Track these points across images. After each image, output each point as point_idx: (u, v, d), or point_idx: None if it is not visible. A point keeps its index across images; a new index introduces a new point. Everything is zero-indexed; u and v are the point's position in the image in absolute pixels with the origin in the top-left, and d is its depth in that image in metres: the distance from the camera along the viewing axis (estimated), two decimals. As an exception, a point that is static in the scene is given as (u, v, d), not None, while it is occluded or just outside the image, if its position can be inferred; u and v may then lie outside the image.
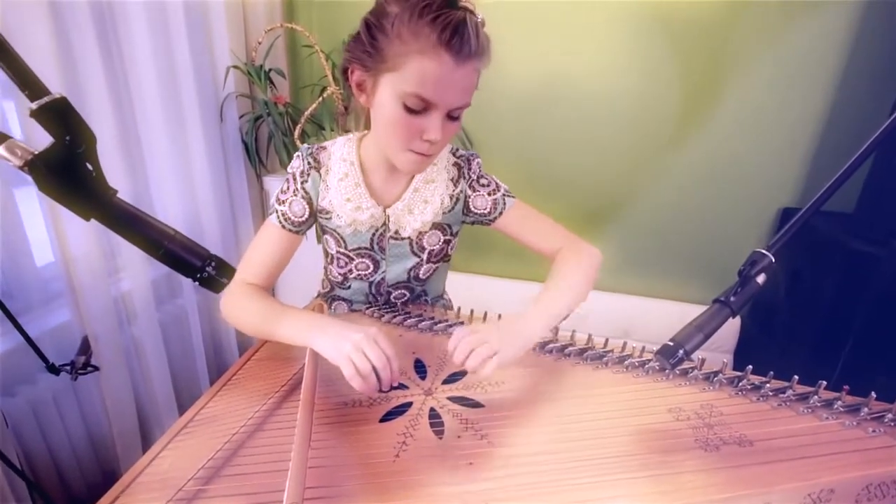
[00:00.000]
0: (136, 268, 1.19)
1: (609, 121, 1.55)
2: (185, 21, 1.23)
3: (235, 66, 1.40)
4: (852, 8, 1.32)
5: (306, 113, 1.46)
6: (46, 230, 1.00)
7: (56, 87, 0.96)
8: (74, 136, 0.34)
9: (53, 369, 0.91)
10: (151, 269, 1.23)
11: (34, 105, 0.32)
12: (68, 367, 0.93)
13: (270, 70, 1.46)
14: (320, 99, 1.46)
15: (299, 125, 1.45)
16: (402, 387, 0.66)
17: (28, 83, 0.33)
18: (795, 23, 1.35)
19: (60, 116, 0.33)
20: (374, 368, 0.57)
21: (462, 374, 0.69)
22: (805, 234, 0.59)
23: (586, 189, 1.64)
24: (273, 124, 1.45)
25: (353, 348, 0.57)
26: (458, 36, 0.57)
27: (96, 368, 0.98)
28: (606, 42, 1.47)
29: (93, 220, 0.38)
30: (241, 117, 1.48)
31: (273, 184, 1.61)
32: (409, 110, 0.61)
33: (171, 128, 1.26)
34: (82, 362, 0.95)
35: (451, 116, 0.64)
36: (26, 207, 0.98)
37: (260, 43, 1.44)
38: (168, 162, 1.27)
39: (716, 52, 1.42)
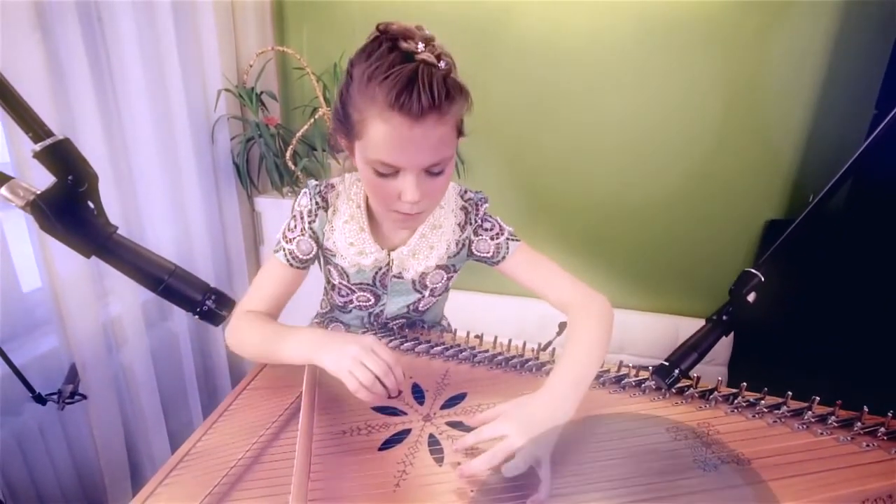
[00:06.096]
0: (126, 291, 1.17)
1: (600, 137, 1.58)
2: (176, 45, 1.24)
3: (227, 89, 1.41)
4: (832, 21, 1.36)
5: (298, 134, 1.47)
6: (34, 254, 0.99)
7: (47, 110, 0.96)
8: (77, 176, 0.34)
9: (40, 399, 0.88)
10: (141, 291, 1.20)
11: (37, 147, 0.33)
12: (55, 397, 0.91)
13: (262, 92, 1.47)
14: (312, 120, 1.48)
15: (291, 146, 1.46)
16: (400, 413, 0.66)
17: (31, 125, 0.33)
18: (775, 36, 1.40)
19: (63, 157, 0.34)
20: (377, 377, 0.56)
21: (461, 396, 0.69)
22: (793, 245, 0.61)
23: (577, 206, 1.66)
24: (265, 146, 1.45)
25: (353, 362, 0.56)
26: (408, 94, 0.53)
27: (84, 397, 0.96)
28: (594, 64, 1.50)
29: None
30: (232, 139, 1.48)
31: (264, 205, 1.61)
32: (381, 174, 0.60)
33: (163, 150, 1.26)
34: (69, 391, 0.93)
35: (431, 172, 0.60)
36: (12, 231, 0.96)
37: (251, 66, 1.45)
38: (159, 183, 1.26)
39: (698, 68, 1.46)
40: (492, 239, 0.78)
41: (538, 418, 0.57)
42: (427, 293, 0.82)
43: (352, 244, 0.74)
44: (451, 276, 0.83)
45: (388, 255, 0.76)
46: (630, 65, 1.49)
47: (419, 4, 1.52)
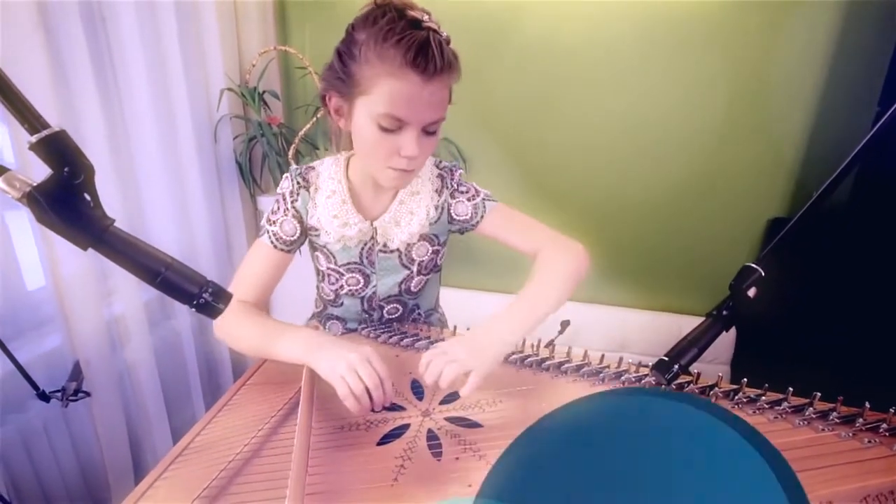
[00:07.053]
0: (129, 289, 1.17)
1: (602, 135, 1.58)
2: (178, 44, 1.25)
3: (230, 89, 1.42)
4: (834, 18, 1.35)
5: (300, 133, 1.48)
6: (38, 253, 1.00)
7: (50, 110, 0.97)
8: (73, 168, 0.34)
9: (44, 396, 0.89)
10: (144, 290, 1.22)
11: (33, 138, 0.33)
12: (59, 394, 0.92)
13: (264, 92, 1.47)
14: (314, 119, 1.48)
15: (293, 145, 1.47)
16: (399, 408, 0.66)
17: (27, 117, 0.33)
18: (777, 35, 1.39)
19: (59, 149, 0.34)
20: (367, 388, 0.58)
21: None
22: (795, 240, 0.60)
23: (579, 202, 1.66)
24: (267, 145, 1.46)
25: (347, 368, 0.58)
26: (423, 55, 0.59)
27: (88, 394, 0.96)
28: (597, 63, 1.50)
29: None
30: (235, 138, 1.49)
31: (267, 204, 1.61)
32: (385, 129, 0.64)
33: (165, 149, 1.26)
34: (73, 388, 0.94)
35: (427, 132, 0.66)
36: (17, 230, 0.97)
37: (254, 65, 1.46)
38: (162, 183, 1.27)
39: (700, 66, 1.46)
40: (468, 200, 0.81)
41: (484, 343, 0.64)
42: (415, 268, 0.83)
43: (335, 216, 0.76)
44: (438, 251, 0.85)
45: (371, 225, 0.78)
46: (633, 63, 1.49)
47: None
